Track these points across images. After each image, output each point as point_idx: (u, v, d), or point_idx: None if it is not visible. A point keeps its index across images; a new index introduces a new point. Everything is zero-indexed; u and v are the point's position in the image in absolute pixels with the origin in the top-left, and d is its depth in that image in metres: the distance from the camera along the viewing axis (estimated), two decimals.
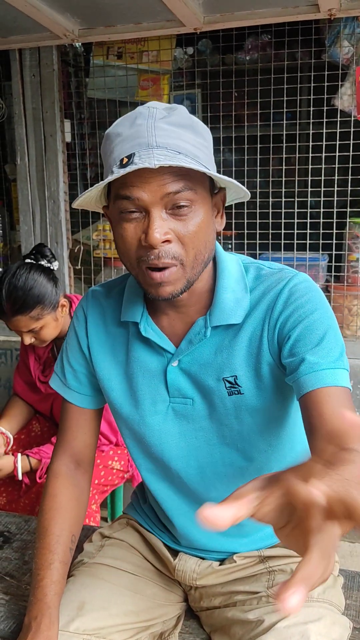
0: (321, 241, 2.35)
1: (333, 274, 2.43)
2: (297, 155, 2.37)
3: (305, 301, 0.96)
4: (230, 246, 2.54)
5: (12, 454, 1.88)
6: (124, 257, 0.95)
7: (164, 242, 0.89)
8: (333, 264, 2.41)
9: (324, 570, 0.48)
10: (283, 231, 2.37)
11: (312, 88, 2.26)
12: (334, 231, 2.32)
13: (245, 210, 2.37)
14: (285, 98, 2.29)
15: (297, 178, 2.36)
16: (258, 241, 2.41)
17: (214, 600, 1.12)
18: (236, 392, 1.00)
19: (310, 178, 2.34)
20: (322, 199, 2.31)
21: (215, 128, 2.37)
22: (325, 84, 2.23)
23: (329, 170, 2.30)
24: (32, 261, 1.84)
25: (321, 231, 2.34)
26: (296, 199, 2.35)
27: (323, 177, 2.30)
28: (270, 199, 2.37)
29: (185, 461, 1.07)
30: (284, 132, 2.36)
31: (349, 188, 2.28)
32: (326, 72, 2.22)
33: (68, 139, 2.63)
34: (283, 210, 2.37)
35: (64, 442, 1.18)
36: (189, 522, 1.11)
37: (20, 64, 2.55)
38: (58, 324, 1.88)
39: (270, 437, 1.04)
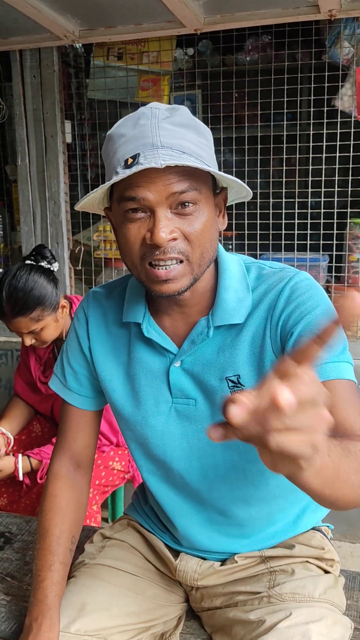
0: (322, 242, 2.35)
1: (334, 274, 2.43)
2: (298, 155, 2.37)
3: (307, 298, 0.96)
4: (230, 247, 2.54)
5: (13, 455, 1.88)
6: (127, 257, 0.95)
7: (170, 240, 0.89)
8: (334, 264, 2.41)
9: None
10: (283, 232, 2.37)
11: (312, 89, 2.26)
12: (335, 232, 2.33)
13: (246, 211, 2.37)
14: (285, 99, 2.29)
15: (297, 179, 2.36)
16: (258, 242, 2.41)
17: (215, 601, 1.12)
18: (239, 392, 1.00)
19: (310, 179, 2.35)
20: (323, 199, 2.31)
21: (215, 129, 2.37)
22: (326, 84, 2.23)
23: (329, 171, 2.30)
24: (32, 262, 1.84)
25: (322, 232, 2.34)
26: (297, 200, 2.35)
27: (323, 178, 2.30)
28: (271, 200, 2.37)
29: (187, 462, 1.07)
30: (285, 133, 2.36)
31: (350, 188, 2.28)
32: (326, 73, 2.23)
33: (69, 139, 2.64)
34: (283, 211, 2.37)
35: (64, 443, 1.18)
36: (191, 522, 1.11)
37: (20, 65, 2.55)
38: (58, 325, 1.88)
39: None
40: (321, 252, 2.38)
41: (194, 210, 0.90)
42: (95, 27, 2.29)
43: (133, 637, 1.07)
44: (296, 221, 2.35)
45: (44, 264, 1.85)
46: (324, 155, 2.28)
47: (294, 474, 0.59)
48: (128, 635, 1.06)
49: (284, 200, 2.37)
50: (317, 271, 2.38)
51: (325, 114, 2.25)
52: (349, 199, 2.30)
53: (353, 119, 2.25)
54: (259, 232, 2.40)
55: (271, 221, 2.38)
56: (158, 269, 0.91)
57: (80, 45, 2.60)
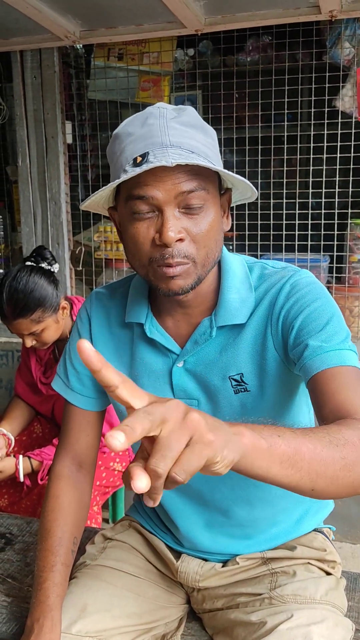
0: (322, 242, 2.35)
1: (334, 275, 2.43)
2: (298, 156, 2.37)
3: (306, 292, 0.96)
4: (231, 247, 2.54)
5: (14, 456, 1.87)
6: (135, 257, 0.95)
7: (177, 240, 0.89)
8: (334, 265, 2.41)
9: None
10: (284, 232, 2.37)
11: (313, 89, 2.26)
12: (335, 232, 2.33)
13: (247, 212, 2.37)
14: (286, 99, 2.29)
15: (298, 179, 2.36)
16: (259, 242, 2.41)
17: (217, 602, 1.12)
18: (243, 390, 1.00)
19: (311, 179, 2.35)
20: (324, 200, 2.31)
21: (216, 129, 2.35)
22: (326, 85, 2.23)
23: (330, 172, 2.30)
24: (32, 264, 1.84)
25: (322, 232, 2.34)
26: (297, 200, 2.35)
27: (324, 178, 2.30)
28: (272, 200, 2.37)
29: None
30: (285, 134, 2.36)
31: (350, 189, 2.28)
32: (327, 74, 2.23)
33: (69, 140, 2.64)
34: (284, 212, 2.37)
35: (66, 444, 1.18)
36: (192, 523, 1.11)
37: (21, 65, 2.55)
38: (59, 326, 1.88)
39: None
40: (322, 253, 2.38)
41: (201, 210, 0.91)
42: (95, 27, 2.29)
43: (134, 638, 1.07)
44: (297, 222, 2.35)
45: (44, 265, 1.85)
46: (325, 155, 2.28)
47: (236, 463, 0.64)
48: (129, 637, 1.06)
49: (284, 200, 2.37)
50: (317, 272, 2.38)
51: (326, 115, 2.25)
52: (350, 199, 2.30)
53: (354, 120, 2.25)
54: (259, 232, 2.40)
55: (272, 222, 2.38)
56: (167, 268, 0.91)
57: (81, 45, 2.60)
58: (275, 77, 2.29)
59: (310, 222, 2.35)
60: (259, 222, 2.39)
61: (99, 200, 0.97)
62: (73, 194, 2.69)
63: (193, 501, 1.10)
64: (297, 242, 2.37)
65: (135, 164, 0.87)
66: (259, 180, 2.39)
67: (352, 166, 2.26)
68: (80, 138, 2.69)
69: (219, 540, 1.11)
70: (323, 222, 2.33)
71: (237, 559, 1.11)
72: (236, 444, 0.64)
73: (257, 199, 2.37)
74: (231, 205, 1.04)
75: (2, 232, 2.96)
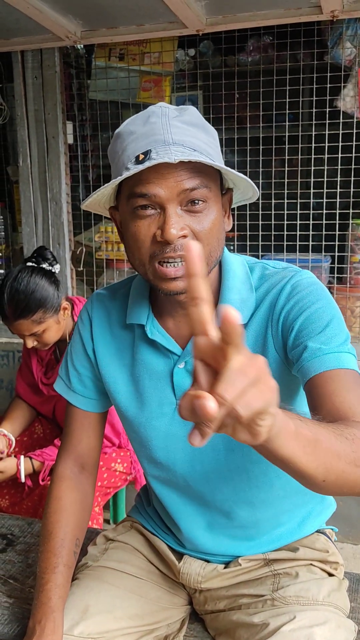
0: (324, 243, 2.35)
1: (336, 275, 2.43)
2: (300, 156, 2.37)
3: (307, 293, 0.96)
4: (232, 247, 2.54)
5: (15, 456, 1.87)
6: (135, 255, 0.95)
7: (180, 237, 0.89)
8: (336, 265, 2.40)
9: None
10: (285, 233, 2.37)
11: (314, 89, 2.26)
12: (337, 233, 2.32)
13: (248, 212, 2.37)
14: (287, 99, 2.29)
15: (299, 179, 2.36)
16: (260, 243, 2.41)
17: (219, 604, 1.12)
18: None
19: (312, 179, 2.34)
20: (325, 200, 2.31)
21: (217, 129, 2.34)
22: (328, 85, 2.23)
23: (331, 172, 2.30)
24: (33, 264, 1.84)
25: (324, 233, 2.33)
26: (298, 201, 2.35)
27: (325, 179, 2.30)
28: (273, 200, 2.37)
29: (190, 464, 1.06)
30: (286, 134, 2.36)
31: (352, 189, 2.28)
32: (328, 74, 2.22)
33: (70, 140, 2.63)
34: (285, 212, 2.37)
35: (69, 445, 1.18)
36: (194, 525, 1.11)
37: (22, 65, 2.55)
38: (60, 327, 1.88)
39: None
40: (323, 253, 2.38)
41: (203, 208, 0.91)
42: (97, 27, 2.29)
43: (136, 639, 1.07)
44: (298, 222, 2.35)
45: (45, 265, 1.85)
46: (326, 156, 2.28)
47: (271, 439, 0.62)
48: (131, 638, 1.06)
49: (285, 201, 2.36)
50: (319, 272, 2.38)
51: (327, 115, 2.25)
52: (351, 199, 2.30)
53: (355, 120, 2.25)
54: (260, 233, 2.40)
55: (273, 222, 2.38)
56: (167, 266, 0.91)
57: (82, 46, 2.59)
58: (277, 77, 2.29)
59: (311, 222, 2.35)
60: (261, 222, 2.38)
61: (100, 199, 0.97)
62: (74, 194, 2.68)
63: (195, 502, 1.10)
64: (298, 243, 2.37)
65: (138, 161, 0.87)
66: (260, 181, 2.39)
67: (353, 166, 2.25)
68: (81, 138, 2.69)
69: (221, 542, 1.11)
70: (324, 222, 2.33)
71: (239, 560, 1.11)
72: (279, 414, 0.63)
73: (258, 199, 2.36)
74: (232, 207, 1.04)
75: (2, 233, 2.96)
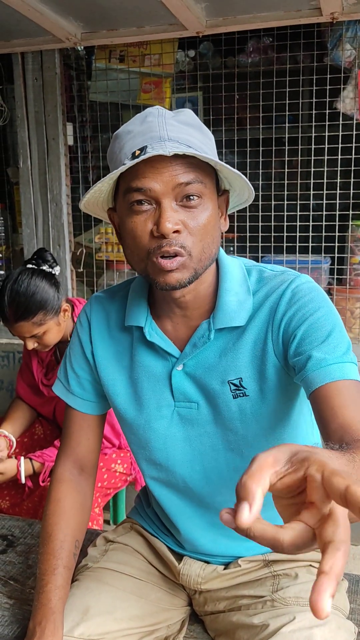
0: (323, 244, 2.35)
1: (335, 276, 2.43)
2: (299, 158, 2.37)
3: (308, 300, 0.96)
4: (232, 249, 2.54)
5: (15, 457, 1.88)
6: (133, 252, 0.95)
7: (174, 232, 0.90)
8: (335, 266, 2.41)
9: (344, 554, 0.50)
10: (285, 234, 2.37)
11: (314, 91, 2.26)
12: (337, 234, 2.32)
13: (247, 213, 2.37)
14: (287, 101, 2.29)
15: (299, 181, 2.36)
16: (260, 244, 2.41)
17: (219, 605, 1.12)
18: (241, 395, 1.00)
19: (312, 181, 2.35)
20: (324, 201, 2.31)
21: (217, 131, 2.37)
22: (328, 87, 2.23)
23: (331, 173, 2.30)
24: (33, 266, 1.84)
25: (323, 234, 2.34)
26: (298, 202, 2.35)
27: (325, 180, 2.30)
28: (272, 202, 2.37)
29: (190, 466, 1.07)
30: (286, 135, 2.36)
31: (351, 191, 2.28)
32: (328, 75, 2.23)
33: (70, 142, 2.64)
34: (285, 213, 2.37)
35: (68, 447, 1.18)
36: (194, 526, 1.11)
37: (22, 67, 2.55)
38: (61, 329, 1.88)
39: (275, 441, 1.04)
40: (323, 255, 2.38)
41: (198, 203, 0.92)
42: (97, 29, 2.29)
43: None
44: (298, 223, 2.35)
45: (45, 267, 1.86)
46: (326, 157, 2.28)
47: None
48: (132, 639, 1.06)
49: (285, 202, 2.37)
50: (318, 273, 2.38)
51: (327, 116, 2.25)
52: (351, 201, 2.30)
53: (355, 122, 2.25)
54: (260, 234, 2.40)
55: (273, 223, 2.38)
56: (164, 260, 0.91)
57: (82, 47, 2.60)
58: (277, 79, 2.29)
59: (311, 223, 2.35)
60: (260, 223, 2.39)
61: (97, 197, 0.97)
62: (74, 195, 2.69)
63: (194, 503, 1.10)
64: (298, 244, 2.37)
65: (134, 157, 0.88)
66: (260, 182, 2.39)
67: (353, 168, 2.26)
68: (82, 140, 2.69)
69: (221, 543, 1.11)
70: (324, 223, 2.33)
71: (239, 562, 1.11)
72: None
73: (258, 200, 2.35)
74: (229, 212, 1.05)
75: (3, 234, 2.96)
